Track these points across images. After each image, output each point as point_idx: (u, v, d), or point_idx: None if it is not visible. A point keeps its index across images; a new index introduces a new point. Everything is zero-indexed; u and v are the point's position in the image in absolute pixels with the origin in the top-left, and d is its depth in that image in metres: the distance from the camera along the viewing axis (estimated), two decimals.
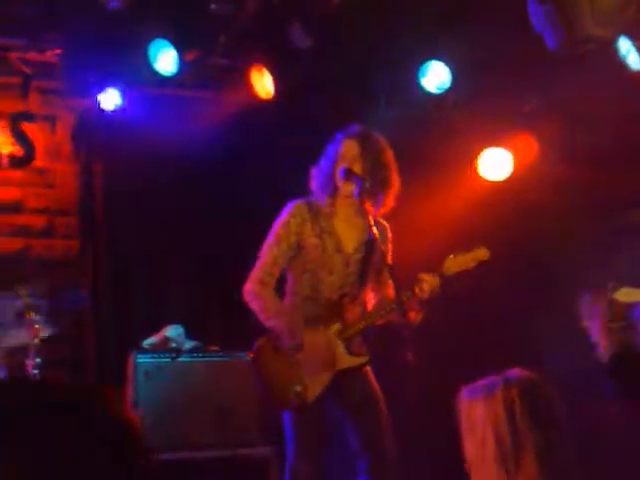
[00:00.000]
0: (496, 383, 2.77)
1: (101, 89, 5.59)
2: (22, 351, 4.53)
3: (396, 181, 4.30)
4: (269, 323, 4.13)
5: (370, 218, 4.16)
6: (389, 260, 4.26)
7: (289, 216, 4.24)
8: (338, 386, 4.14)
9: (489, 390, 2.75)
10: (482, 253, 4.19)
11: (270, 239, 4.24)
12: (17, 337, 4.57)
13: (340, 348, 4.16)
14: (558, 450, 2.67)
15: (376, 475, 4.11)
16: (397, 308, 4.10)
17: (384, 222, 4.39)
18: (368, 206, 4.19)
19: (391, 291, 4.23)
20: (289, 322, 4.11)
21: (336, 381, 4.13)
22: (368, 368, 4.24)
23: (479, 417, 2.70)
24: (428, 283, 4.08)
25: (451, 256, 4.14)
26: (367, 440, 4.13)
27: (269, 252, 4.21)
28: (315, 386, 4.10)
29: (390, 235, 4.40)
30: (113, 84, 5.60)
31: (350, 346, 4.17)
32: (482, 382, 2.84)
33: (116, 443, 1.38)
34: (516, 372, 2.86)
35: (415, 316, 4.14)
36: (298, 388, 4.06)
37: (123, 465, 1.37)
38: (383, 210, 4.30)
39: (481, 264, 4.18)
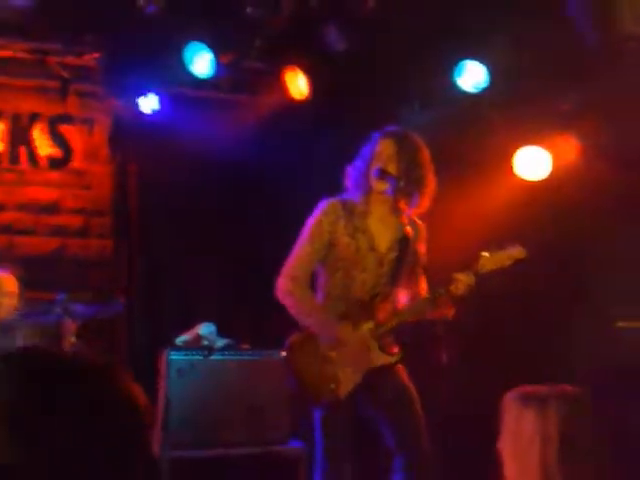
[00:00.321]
0: (549, 398, 2.67)
1: (138, 92, 5.67)
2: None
3: (432, 181, 4.25)
4: (302, 320, 4.12)
5: (404, 218, 4.14)
6: (423, 260, 4.23)
7: (322, 214, 4.23)
8: (371, 384, 4.10)
9: (541, 405, 2.66)
10: (518, 251, 4.12)
11: (303, 237, 4.22)
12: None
13: (373, 346, 4.12)
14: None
15: (412, 473, 4.06)
16: (430, 306, 4.07)
17: (419, 222, 4.36)
18: (403, 206, 4.17)
19: (423, 290, 4.19)
20: (323, 318, 4.10)
21: (369, 379, 4.09)
22: (401, 366, 4.20)
23: (527, 432, 2.62)
24: (463, 282, 4.03)
25: (486, 254, 4.08)
26: (402, 438, 4.09)
27: (302, 250, 4.20)
28: (347, 383, 4.07)
29: (425, 235, 4.36)
30: (150, 88, 5.66)
31: (382, 344, 4.14)
32: (531, 390, 2.75)
33: (123, 419, 1.37)
34: (569, 390, 2.77)
35: (447, 313, 4.10)
36: (331, 385, 4.03)
37: (126, 441, 1.37)
38: (418, 210, 4.26)
39: (517, 262, 4.11)
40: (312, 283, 4.26)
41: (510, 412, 2.63)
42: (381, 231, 4.25)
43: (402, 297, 4.32)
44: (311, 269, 4.21)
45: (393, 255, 4.22)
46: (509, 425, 2.60)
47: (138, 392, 1.46)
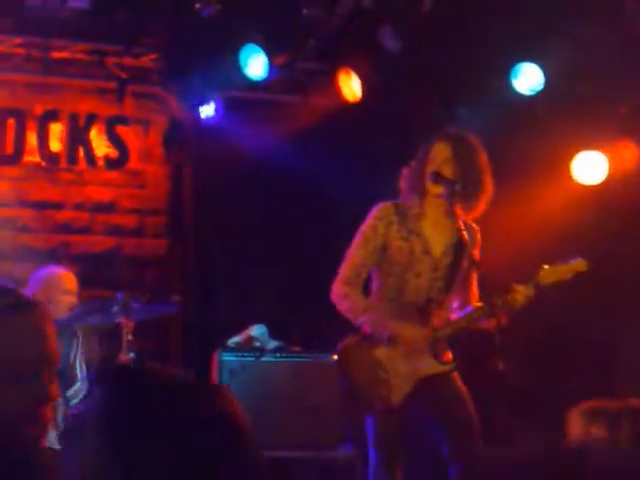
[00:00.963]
0: (621, 414, 2.61)
1: (193, 94, 5.70)
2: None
3: (489, 185, 4.15)
4: (358, 320, 4.08)
5: (460, 222, 4.08)
6: (478, 265, 4.17)
7: (375, 218, 4.18)
8: (425, 392, 4.06)
9: (612, 422, 2.60)
10: (579, 264, 4.02)
11: (357, 240, 4.19)
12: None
13: (426, 354, 4.08)
14: None
15: None
16: (487, 315, 4.01)
17: (475, 226, 4.29)
18: (458, 209, 4.11)
19: (474, 297, 4.13)
20: (377, 315, 4.06)
21: (422, 388, 4.04)
22: (456, 374, 4.14)
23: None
24: (521, 294, 3.96)
25: (546, 266, 4.01)
26: (457, 447, 4.03)
27: (356, 254, 4.16)
28: (399, 391, 4.02)
29: (479, 239, 4.30)
30: (205, 90, 5.69)
31: (436, 352, 4.09)
32: (599, 405, 2.68)
33: (229, 441, 1.36)
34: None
35: (503, 323, 4.04)
36: (383, 392, 4.01)
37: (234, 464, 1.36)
38: (474, 214, 4.18)
39: (577, 275, 4.04)
40: (366, 288, 4.25)
41: (576, 428, 2.57)
42: (436, 235, 4.18)
43: (454, 303, 4.27)
44: (365, 273, 4.18)
45: (448, 260, 4.14)
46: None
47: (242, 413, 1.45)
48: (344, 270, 4.15)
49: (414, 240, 4.14)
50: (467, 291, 4.20)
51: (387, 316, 4.07)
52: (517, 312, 4.01)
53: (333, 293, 4.13)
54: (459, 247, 4.09)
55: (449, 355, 4.11)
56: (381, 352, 4.07)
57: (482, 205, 4.15)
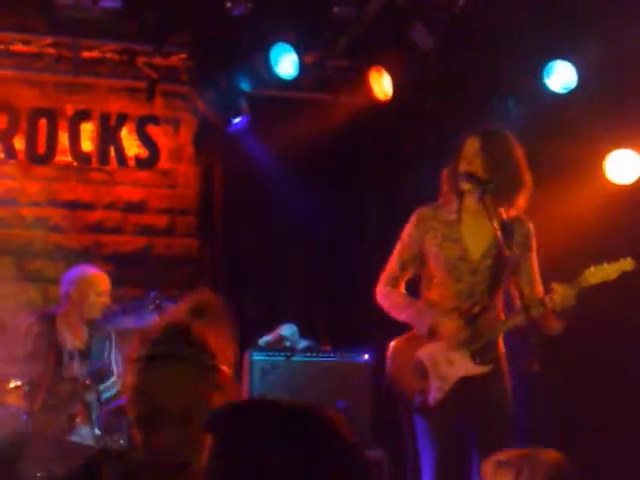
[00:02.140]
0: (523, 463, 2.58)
1: (223, 94, 5.67)
2: None
3: (526, 179, 4.06)
4: (401, 316, 4.12)
5: (495, 221, 3.95)
6: (531, 263, 4.11)
7: (412, 225, 4.18)
8: (461, 394, 4.03)
9: (518, 469, 2.58)
10: (626, 264, 3.94)
11: (397, 246, 4.20)
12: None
13: (466, 355, 4.05)
14: None
15: None
16: (523, 318, 3.94)
17: (523, 218, 4.15)
18: (499, 207, 4.01)
19: (526, 296, 4.02)
20: (418, 308, 4.09)
21: (460, 388, 4.02)
22: (499, 378, 4.08)
23: None
24: (559, 294, 3.89)
25: (592, 268, 3.95)
26: (483, 453, 4.00)
27: (396, 257, 4.19)
28: (437, 391, 4.02)
29: (532, 234, 4.15)
30: (236, 89, 5.67)
31: (475, 354, 4.05)
32: (509, 455, 2.67)
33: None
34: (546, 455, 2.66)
35: (553, 326, 3.98)
36: (420, 392, 4.03)
37: None
38: (514, 211, 4.09)
39: (623, 274, 3.97)
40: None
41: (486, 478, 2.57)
42: (474, 239, 4.12)
43: (500, 304, 4.21)
44: (406, 276, 4.20)
45: (488, 262, 4.08)
46: None
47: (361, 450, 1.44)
48: (385, 273, 4.19)
49: (450, 246, 4.10)
50: (519, 290, 4.07)
51: (434, 311, 4.07)
52: (564, 313, 3.94)
53: (376, 294, 4.18)
54: (499, 248, 3.99)
55: (488, 357, 4.06)
56: (424, 352, 4.08)
57: (521, 201, 4.08)
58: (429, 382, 4.04)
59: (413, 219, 4.19)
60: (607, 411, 5.49)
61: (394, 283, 4.16)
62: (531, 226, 4.20)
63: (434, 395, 4.02)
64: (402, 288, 4.20)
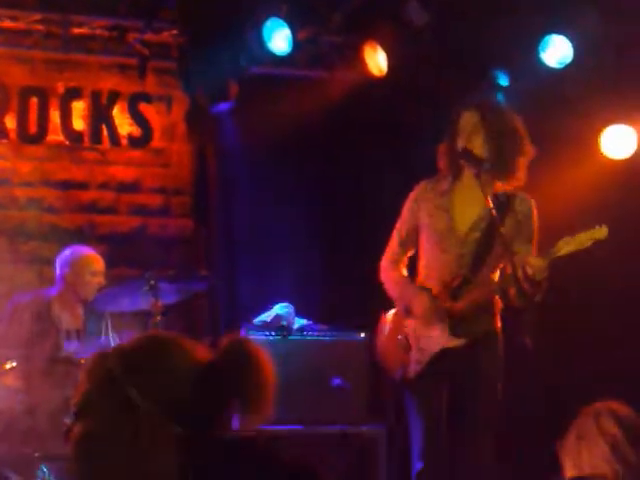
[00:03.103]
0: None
1: (214, 70, 5.62)
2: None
3: (526, 149, 4.04)
4: (391, 294, 4.18)
5: (490, 194, 3.94)
6: (527, 243, 4.06)
7: (410, 199, 4.20)
8: (439, 368, 4.05)
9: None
10: (599, 232, 3.92)
11: (397, 222, 4.23)
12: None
13: (445, 328, 4.05)
14: None
15: None
16: (499, 291, 4.01)
17: (524, 196, 4.11)
18: (494, 180, 4.01)
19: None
20: (403, 287, 4.13)
21: (439, 360, 4.04)
22: (482, 350, 4.09)
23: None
24: (530, 265, 3.85)
25: (565, 238, 3.93)
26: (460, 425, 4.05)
27: (395, 233, 4.22)
28: (417, 363, 4.06)
29: (532, 210, 4.11)
30: (228, 66, 5.61)
31: (454, 327, 4.05)
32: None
33: None
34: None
35: (528, 298, 3.97)
36: (402, 362, 4.09)
37: None
38: (515, 183, 4.05)
39: (597, 242, 3.95)
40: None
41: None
42: (464, 211, 4.10)
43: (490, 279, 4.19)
44: (406, 251, 4.21)
45: (476, 235, 4.06)
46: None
47: None
48: (387, 249, 4.21)
49: (440, 216, 4.10)
50: (508, 267, 4.06)
51: (413, 289, 4.09)
52: (537, 285, 3.92)
53: (379, 270, 4.22)
54: (491, 222, 4.00)
55: (467, 330, 4.06)
56: (408, 325, 4.11)
57: (520, 172, 4.04)
58: (410, 355, 4.07)
59: (412, 193, 4.20)
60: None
61: (395, 258, 4.19)
62: (533, 205, 4.15)
63: (413, 367, 4.06)
64: (404, 263, 4.22)
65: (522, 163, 4.05)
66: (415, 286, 4.11)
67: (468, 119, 4.05)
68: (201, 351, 1.62)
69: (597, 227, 3.94)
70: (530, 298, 3.94)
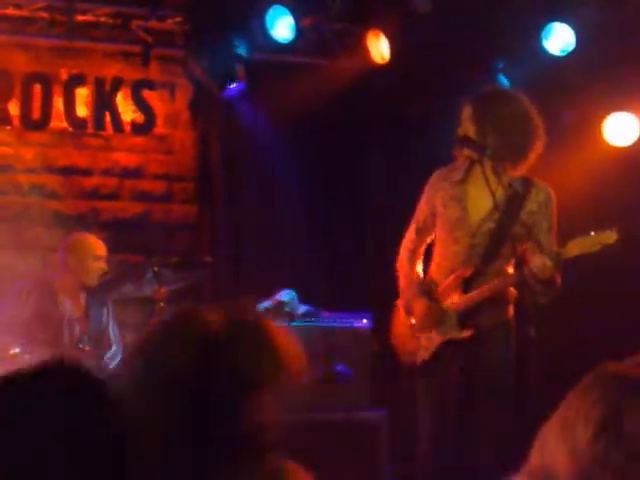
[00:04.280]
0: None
1: (218, 58, 5.62)
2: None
3: (528, 136, 3.99)
4: (399, 284, 4.20)
5: (504, 183, 3.93)
6: (543, 233, 4.01)
7: (427, 186, 4.19)
8: (447, 356, 4.08)
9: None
10: (608, 236, 3.88)
11: (417, 207, 4.22)
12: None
13: (453, 319, 4.07)
14: None
15: None
16: (505, 286, 4.01)
17: (543, 185, 4.07)
18: (504, 168, 3.94)
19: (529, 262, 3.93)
20: (406, 287, 4.15)
21: (446, 350, 4.06)
22: (490, 341, 4.08)
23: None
24: (536, 264, 3.84)
25: (577, 238, 3.91)
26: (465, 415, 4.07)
27: (414, 221, 4.21)
28: (425, 350, 4.10)
29: (552, 199, 4.05)
30: (231, 53, 5.61)
31: (462, 318, 4.06)
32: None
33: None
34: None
35: (537, 296, 3.95)
36: (411, 350, 4.15)
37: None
38: (521, 171, 3.99)
39: (606, 247, 3.94)
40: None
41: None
42: (476, 200, 4.05)
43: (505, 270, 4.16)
44: (423, 239, 4.21)
45: (489, 226, 4.02)
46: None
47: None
48: (404, 239, 4.22)
49: (453, 206, 4.07)
50: (524, 258, 3.99)
51: (414, 291, 4.12)
52: (546, 283, 3.91)
53: (397, 259, 4.23)
54: (503, 212, 3.97)
55: (473, 322, 4.06)
56: (419, 313, 4.14)
57: (524, 160, 3.99)
58: (420, 342, 4.11)
59: (429, 181, 4.19)
60: None
61: (412, 247, 4.20)
62: (552, 195, 4.09)
63: (421, 355, 4.09)
64: (421, 252, 4.22)
65: (525, 151, 4.00)
66: (417, 288, 4.12)
67: (464, 111, 4.06)
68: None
69: (607, 231, 3.90)
70: (537, 295, 3.92)
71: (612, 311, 5.57)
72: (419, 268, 4.21)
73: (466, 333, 4.04)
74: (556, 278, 3.88)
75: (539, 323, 4.03)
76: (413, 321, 4.15)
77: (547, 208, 4.07)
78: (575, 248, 3.87)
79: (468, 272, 4.04)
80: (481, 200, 4.06)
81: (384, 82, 5.74)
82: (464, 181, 4.11)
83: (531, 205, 4.04)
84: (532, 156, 4.02)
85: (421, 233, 4.19)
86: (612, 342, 5.43)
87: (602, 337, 5.52)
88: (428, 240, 4.21)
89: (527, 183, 4.05)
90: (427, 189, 4.18)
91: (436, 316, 4.06)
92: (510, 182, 3.99)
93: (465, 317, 4.05)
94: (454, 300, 4.05)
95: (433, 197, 4.14)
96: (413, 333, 4.13)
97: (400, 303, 4.20)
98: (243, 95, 5.68)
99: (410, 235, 4.20)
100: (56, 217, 5.60)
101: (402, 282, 4.18)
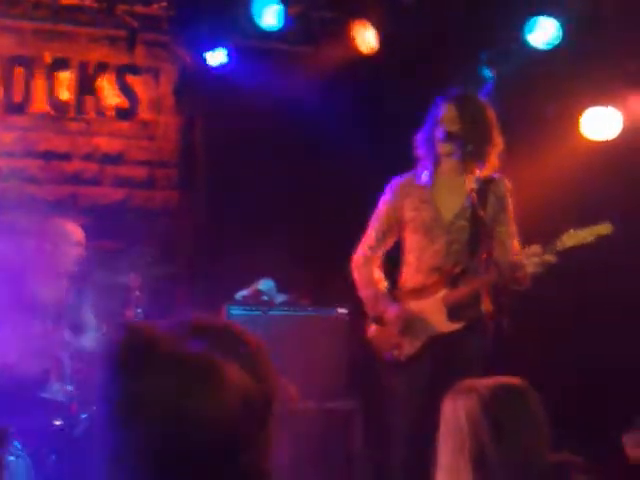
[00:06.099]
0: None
1: (205, 43, 5.61)
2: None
3: (498, 139, 4.23)
4: (360, 293, 4.30)
5: (470, 182, 4.11)
6: (505, 224, 4.18)
7: (388, 194, 4.31)
8: (433, 350, 4.13)
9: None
10: (603, 227, 4.04)
11: (375, 214, 4.32)
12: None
13: (441, 313, 4.12)
14: None
15: None
16: (498, 278, 4.07)
17: (498, 177, 4.27)
18: (473, 168, 4.15)
19: (504, 253, 4.14)
20: (373, 294, 4.24)
21: (432, 345, 4.14)
22: (475, 334, 4.14)
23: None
24: (527, 255, 4.00)
25: (571, 230, 4.02)
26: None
27: (372, 227, 4.32)
28: (410, 346, 4.16)
29: (508, 190, 4.27)
30: (218, 39, 5.60)
31: (451, 312, 4.13)
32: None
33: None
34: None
35: (520, 284, 4.05)
36: (394, 348, 4.18)
37: None
38: (487, 170, 4.22)
39: (600, 238, 4.02)
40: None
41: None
42: (447, 200, 4.22)
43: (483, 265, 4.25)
44: (383, 245, 4.32)
45: (462, 223, 4.18)
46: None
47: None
48: (362, 242, 4.31)
49: (426, 208, 4.22)
50: (496, 249, 4.16)
51: (385, 301, 4.19)
52: (537, 272, 3.99)
53: (351, 262, 4.32)
54: (473, 208, 4.11)
55: (463, 314, 4.12)
56: (406, 308, 4.23)
57: (493, 160, 4.21)
58: (404, 337, 4.12)
59: (389, 188, 4.31)
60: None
61: (369, 254, 4.29)
62: (507, 185, 4.29)
63: (406, 349, 4.13)
64: (378, 260, 4.31)
65: (493, 152, 4.20)
66: (387, 297, 4.22)
67: (447, 110, 4.19)
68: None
69: (601, 223, 4.01)
70: (511, 286, 4.05)
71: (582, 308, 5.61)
72: (377, 274, 4.29)
73: (457, 325, 4.14)
74: (525, 270, 3.99)
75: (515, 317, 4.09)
76: (390, 328, 4.17)
77: (504, 199, 4.27)
78: (569, 240, 3.99)
79: (458, 268, 4.12)
80: (451, 199, 4.23)
81: (368, 71, 5.74)
82: (432, 183, 4.21)
83: (493, 199, 4.21)
84: (494, 160, 4.20)
85: (381, 240, 4.28)
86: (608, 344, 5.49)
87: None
88: (386, 248, 4.32)
89: (488, 178, 4.22)
90: (390, 197, 4.28)
91: (411, 322, 4.12)
92: (474, 180, 4.15)
93: (455, 311, 4.14)
94: (443, 295, 4.11)
95: (400, 203, 4.24)
96: (390, 338, 4.17)
97: (368, 313, 4.27)
98: (227, 80, 5.66)
99: (368, 242, 4.29)
100: (35, 202, 5.56)
101: (365, 289, 4.26)
